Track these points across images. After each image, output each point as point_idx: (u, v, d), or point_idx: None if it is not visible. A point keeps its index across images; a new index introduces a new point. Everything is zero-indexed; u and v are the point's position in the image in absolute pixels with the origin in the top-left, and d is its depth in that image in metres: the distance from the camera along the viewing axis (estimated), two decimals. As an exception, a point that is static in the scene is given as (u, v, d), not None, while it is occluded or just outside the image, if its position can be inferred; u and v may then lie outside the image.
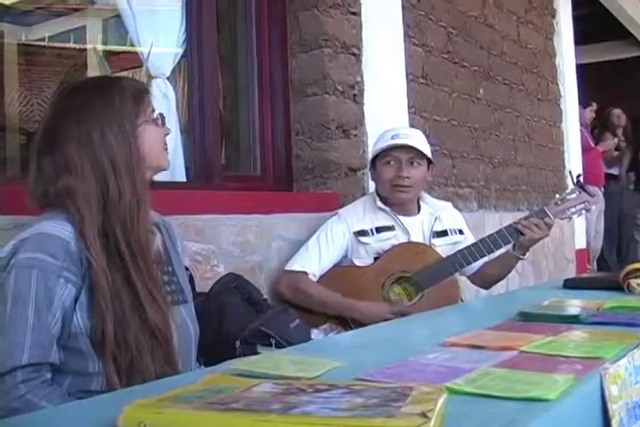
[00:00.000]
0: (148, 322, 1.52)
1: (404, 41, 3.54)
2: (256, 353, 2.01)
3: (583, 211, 2.63)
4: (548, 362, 1.23)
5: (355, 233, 2.62)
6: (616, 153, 6.69)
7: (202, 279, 2.35)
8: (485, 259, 2.70)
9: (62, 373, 1.48)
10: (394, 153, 2.61)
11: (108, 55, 4.79)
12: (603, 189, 6.23)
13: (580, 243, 5.62)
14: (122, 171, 1.54)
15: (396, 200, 2.66)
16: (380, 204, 2.67)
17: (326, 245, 2.62)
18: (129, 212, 1.54)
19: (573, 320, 1.63)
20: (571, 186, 2.74)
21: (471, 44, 4.30)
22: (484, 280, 2.85)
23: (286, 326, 2.13)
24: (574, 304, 1.88)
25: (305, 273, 2.59)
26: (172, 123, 2.88)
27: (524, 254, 2.66)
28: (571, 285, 2.33)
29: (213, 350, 2.08)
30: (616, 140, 6.68)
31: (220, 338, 2.09)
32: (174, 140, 2.85)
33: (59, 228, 1.47)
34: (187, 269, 2.30)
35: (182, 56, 2.93)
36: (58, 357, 1.45)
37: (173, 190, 2.56)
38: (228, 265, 2.50)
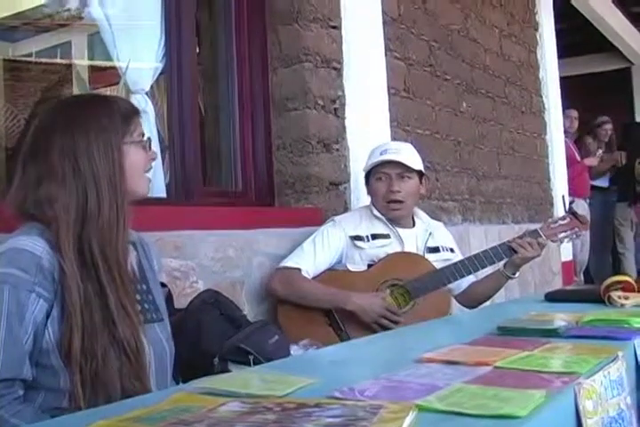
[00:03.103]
0: (118, 337, 1.50)
1: (386, 55, 3.53)
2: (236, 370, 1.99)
3: (574, 236, 2.66)
4: (521, 378, 1.21)
5: (351, 237, 2.63)
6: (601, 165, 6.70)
7: (181, 296, 2.32)
8: (472, 277, 2.72)
9: (35, 389, 1.47)
10: (383, 169, 2.66)
11: (93, 71, 4.77)
12: (589, 201, 6.24)
13: (567, 255, 5.62)
14: (103, 185, 1.54)
15: (391, 216, 2.70)
16: (376, 213, 2.70)
17: (322, 246, 2.62)
18: (107, 226, 1.54)
19: (552, 334, 1.62)
20: (561, 209, 2.78)
21: (453, 58, 4.30)
22: (472, 299, 2.85)
23: (265, 342, 2.10)
24: (554, 318, 1.87)
25: (298, 269, 2.59)
26: (152, 138, 2.87)
27: (515, 273, 2.69)
28: (552, 298, 2.32)
29: (191, 368, 2.06)
30: (600, 152, 6.68)
31: (198, 355, 2.06)
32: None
33: (31, 243, 1.46)
34: (165, 285, 2.29)
35: (162, 71, 2.91)
36: (30, 373, 1.44)
37: (152, 206, 2.54)
38: (208, 281, 2.47)
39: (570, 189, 5.73)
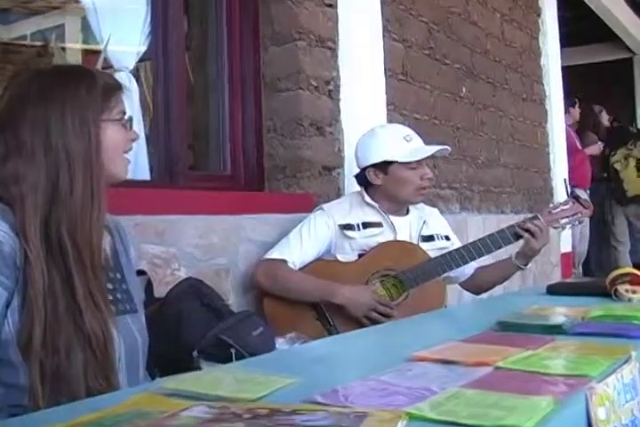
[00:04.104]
0: (83, 329, 1.38)
1: (383, 36, 3.39)
2: (216, 364, 1.86)
3: (576, 222, 2.52)
4: (526, 381, 1.08)
5: (340, 226, 2.48)
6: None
7: (161, 284, 2.19)
8: (474, 263, 2.59)
9: (-7, 385, 1.35)
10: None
11: (87, 54, 4.66)
12: (589, 192, 6.10)
13: (566, 246, 5.50)
14: (76, 164, 1.41)
15: (414, 203, 2.60)
16: (369, 200, 2.54)
17: (309, 236, 2.48)
18: (80, 209, 1.41)
19: (556, 330, 1.49)
20: (562, 193, 2.63)
21: (453, 41, 4.16)
22: (479, 286, 2.75)
23: (248, 334, 1.97)
24: (557, 312, 1.74)
25: (284, 261, 2.45)
26: (136, 118, 2.74)
27: (527, 264, 2.56)
28: (554, 290, 2.19)
29: (170, 361, 1.94)
30: (601, 144, 6.57)
31: (176, 347, 1.94)
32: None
33: None
34: (144, 273, 2.17)
35: (147, 49, 2.78)
36: None
37: (133, 189, 2.40)
38: (191, 269, 2.34)
39: (570, 178, 5.59)
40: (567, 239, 5.45)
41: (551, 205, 2.57)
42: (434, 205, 2.96)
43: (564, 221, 2.48)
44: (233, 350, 1.92)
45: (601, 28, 8.51)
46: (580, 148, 6.16)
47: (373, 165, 2.52)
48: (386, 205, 2.53)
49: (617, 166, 6.48)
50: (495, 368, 1.17)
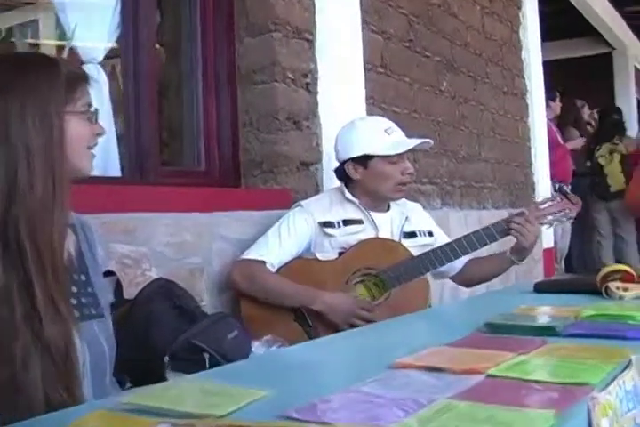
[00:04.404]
0: (42, 336, 1.27)
1: (362, 27, 3.29)
2: (189, 369, 1.75)
3: (564, 218, 2.43)
4: (521, 390, 0.99)
5: (320, 223, 2.38)
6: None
7: (132, 285, 2.08)
8: (462, 260, 2.51)
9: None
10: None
11: (60, 50, 4.53)
12: (570, 187, 6.04)
13: (548, 242, 5.43)
14: (37, 158, 1.31)
15: (395, 200, 2.51)
16: (349, 196, 2.44)
17: (288, 234, 2.37)
18: (40, 207, 1.30)
19: (548, 332, 1.40)
20: (543, 193, 2.55)
21: (433, 34, 4.07)
22: (471, 280, 2.67)
23: (222, 337, 1.87)
24: (548, 312, 1.65)
25: (262, 262, 2.34)
26: (105, 112, 2.63)
27: (522, 260, 2.48)
28: (542, 288, 2.10)
29: (140, 368, 1.83)
30: (583, 139, 6.52)
31: (146, 352, 1.84)
32: (107, 133, 2.59)
33: None
34: (113, 273, 2.06)
35: (117, 40, 2.67)
36: None
37: (101, 185, 2.30)
38: (163, 269, 2.24)
39: (552, 173, 5.54)
40: (549, 235, 5.38)
41: (538, 201, 2.49)
42: (415, 201, 2.87)
43: (551, 217, 2.39)
44: (206, 355, 1.82)
45: (581, 22, 8.48)
46: (561, 142, 6.10)
47: (353, 159, 2.42)
48: (366, 201, 2.44)
49: (601, 161, 6.44)
50: (487, 376, 1.08)
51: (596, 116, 6.81)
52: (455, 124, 4.22)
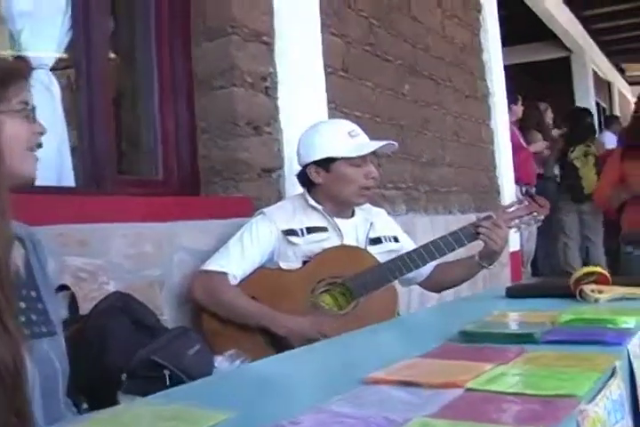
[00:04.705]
0: None
1: (322, 31, 3.22)
2: (148, 387, 1.66)
3: (532, 222, 2.36)
4: (503, 405, 0.92)
5: (283, 232, 2.29)
6: (547, 153, 6.51)
7: (87, 300, 1.99)
8: (431, 264, 2.43)
9: None
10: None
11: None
12: (534, 190, 6.03)
13: (514, 245, 5.40)
14: None
15: (358, 205, 2.43)
16: (312, 202, 2.36)
17: (250, 244, 2.28)
18: None
19: (526, 340, 1.33)
20: (508, 197, 2.49)
21: (394, 37, 4.01)
22: (439, 285, 2.60)
23: (183, 353, 1.78)
24: (523, 318, 1.58)
25: (224, 274, 2.25)
26: (58, 121, 2.53)
27: (491, 264, 2.41)
28: (514, 293, 2.04)
29: (96, 387, 1.73)
30: (546, 142, 6.51)
31: (102, 371, 1.74)
32: (60, 141, 2.50)
33: None
34: (67, 288, 1.96)
35: (68, 47, 2.57)
36: None
37: (54, 196, 2.20)
38: (120, 282, 2.14)
39: (515, 176, 5.52)
40: (515, 238, 5.36)
41: (506, 204, 2.43)
42: (380, 207, 2.80)
43: (519, 220, 2.33)
44: (167, 372, 1.73)
45: (539, 27, 8.52)
46: (524, 145, 6.09)
47: (315, 163, 2.35)
48: (330, 208, 2.36)
49: (576, 163, 6.43)
50: (466, 390, 1.00)
51: (551, 115, 6.80)
52: (418, 128, 4.16)
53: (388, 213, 2.74)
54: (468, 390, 1.00)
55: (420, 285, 2.58)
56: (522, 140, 6.09)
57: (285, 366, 1.36)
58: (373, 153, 2.37)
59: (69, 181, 2.50)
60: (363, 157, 2.32)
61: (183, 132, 2.78)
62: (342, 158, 2.30)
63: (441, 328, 1.51)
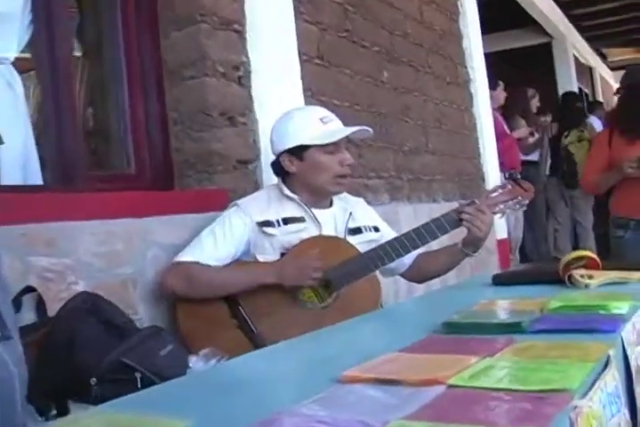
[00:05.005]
0: None
1: (295, 17, 3.12)
2: (119, 391, 1.57)
3: (517, 206, 2.28)
4: (490, 403, 0.84)
5: (258, 223, 2.20)
6: (531, 139, 6.43)
7: (56, 301, 1.90)
8: (413, 254, 2.34)
9: None
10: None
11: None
12: (519, 176, 5.95)
13: (502, 232, 5.33)
14: None
15: (334, 194, 2.33)
16: (288, 192, 2.27)
17: (223, 236, 2.19)
18: None
19: (514, 329, 1.26)
20: (494, 179, 2.39)
21: (371, 24, 3.91)
22: (422, 275, 2.50)
23: (155, 354, 1.69)
24: (511, 307, 1.51)
25: (198, 263, 2.16)
26: (21, 117, 2.43)
27: (475, 251, 2.31)
28: (501, 280, 1.97)
29: (65, 392, 1.65)
30: (530, 128, 6.43)
31: (71, 375, 1.65)
32: (24, 138, 2.40)
33: None
34: (33, 289, 1.88)
35: (30, 40, 2.47)
36: None
37: (17, 194, 2.11)
38: (91, 281, 2.05)
39: (500, 163, 5.43)
40: (502, 225, 5.28)
41: (489, 190, 2.34)
42: (362, 196, 2.72)
43: (503, 205, 2.24)
44: (138, 374, 1.64)
45: (519, 13, 8.45)
46: (507, 132, 6.01)
47: (288, 151, 2.26)
48: (306, 197, 2.27)
49: (571, 149, 6.36)
50: (448, 387, 0.92)
51: (538, 103, 6.72)
52: (399, 115, 4.07)
53: (371, 203, 2.66)
54: (451, 386, 0.92)
55: (403, 275, 2.49)
56: (505, 127, 6.01)
57: (258, 364, 1.28)
58: (349, 140, 2.29)
59: (37, 179, 2.41)
60: (336, 144, 2.23)
61: (154, 125, 2.68)
62: (315, 146, 2.22)
63: (425, 319, 1.44)
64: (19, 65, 2.49)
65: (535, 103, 6.72)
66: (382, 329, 1.54)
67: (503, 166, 5.51)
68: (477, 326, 1.29)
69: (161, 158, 2.67)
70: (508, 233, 5.58)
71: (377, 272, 2.32)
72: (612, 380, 0.97)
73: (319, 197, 2.29)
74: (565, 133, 6.51)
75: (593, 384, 0.90)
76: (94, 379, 1.62)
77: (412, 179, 4.12)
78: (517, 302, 1.53)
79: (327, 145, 2.21)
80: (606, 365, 0.99)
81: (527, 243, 6.49)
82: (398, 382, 0.96)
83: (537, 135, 6.48)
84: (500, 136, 5.60)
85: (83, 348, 1.67)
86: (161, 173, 2.66)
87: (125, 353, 1.66)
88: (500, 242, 5.22)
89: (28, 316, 1.88)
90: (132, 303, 2.16)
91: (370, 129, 2.30)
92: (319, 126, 2.23)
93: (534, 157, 6.53)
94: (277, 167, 2.31)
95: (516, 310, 1.42)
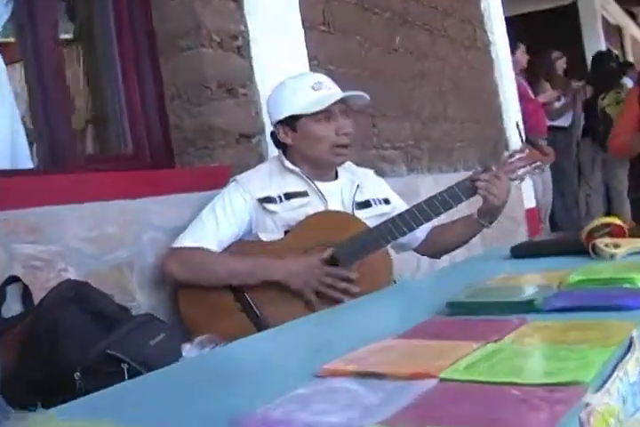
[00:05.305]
0: None
1: (297, -18, 2.96)
2: (106, 384, 1.45)
3: (536, 171, 2.11)
4: (489, 402, 0.70)
5: (259, 200, 2.06)
6: (557, 104, 6.20)
7: (44, 290, 1.76)
8: (426, 227, 2.19)
9: None
10: (327, 107, 2.07)
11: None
12: (545, 142, 5.74)
13: (530, 201, 5.14)
14: None
15: (334, 165, 2.17)
16: (289, 165, 2.12)
17: (224, 215, 2.06)
18: None
19: (527, 308, 1.11)
20: (517, 142, 2.21)
21: (381, -13, 3.73)
22: (437, 249, 2.34)
23: (144, 344, 1.57)
24: (526, 282, 1.35)
25: (199, 248, 2.03)
26: (5, 99, 2.31)
27: (492, 222, 2.15)
28: (520, 252, 1.81)
29: (49, 386, 1.54)
30: (556, 92, 6.20)
31: (54, 369, 1.53)
32: (11, 121, 2.28)
33: None
34: (18, 279, 1.77)
35: (12, 14, 2.34)
36: None
37: (9, 178, 2.00)
38: (82, 268, 1.93)
39: (525, 128, 5.22)
40: (530, 193, 5.10)
41: (505, 155, 2.17)
42: (378, 168, 2.57)
43: (521, 171, 2.08)
44: (125, 366, 1.52)
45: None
46: (532, 96, 5.78)
47: (282, 122, 2.11)
48: (308, 170, 2.12)
49: (609, 110, 6.10)
50: (440, 381, 0.78)
51: (564, 65, 6.47)
52: (414, 82, 3.89)
53: (388, 175, 2.51)
54: (443, 380, 0.78)
55: (417, 250, 2.34)
56: (530, 92, 5.78)
57: (240, 354, 1.15)
58: (348, 107, 2.13)
59: (27, 163, 2.30)
60: (329, 112, 2.07)
61: (151, 101, 2.54)
62: (306, 115, 2.07)
63: (433, 298, 1.29)
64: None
65: (561, 65, 6.48)
66: (388, 309, 1.40)
67: (529, 132, 5.30)
68: (485, 305, 1.14)
69: (160, 136, 2.54)
70: (537, 201, 5.39)
71: (389, 248, 2.18)
72: (636, 366, 0.82)
73: (321, 170, 2.14)
74: (602, 96, 6.23)
75: (611, 373, 0.75)
76: (78, 373, 1.51)
77: (432, 148, 3.95)
78: (534, 276, 1.38)
79: (318, 113, 2.05)
80: (629, 348, 0.84)
81: (557, 210, 6.27)
82: (384, 376, 0.82)
83: (564, 99, 6.25)
84: (523, 101, 5.38)
85: (66, 339, 1.56)
86: (160, 151, 2.53)
87: (111, 344, 1.54)
88: (529, 211, 5.04)
89: (15, 307, 1.77)
90: (129, 289, 2.04)
91: (364, 94, 2.13)
92: (310, 94, 2.07)
93: (562, 122, 6.28)
94: (276, 139, 2.17)
95: (531, 285, 1.27)
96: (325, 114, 2.06)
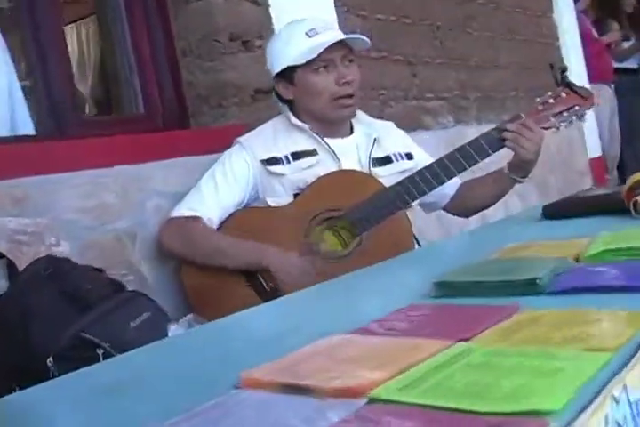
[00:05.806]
0: None
1: None
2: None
3: (574, 118, 1.87)
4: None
5: (263, 162, 1.88)
6: (625, 44, 5.78)
7: (33, 266, 1.63)
8: (453, 184, 1.99)
9: None
10: (324, 54, 1.85)
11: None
12: (613, 86, 5.36)
13: (595, 151, 4.82)
14: None
15: (340, 119, 1.95)
16: (296, 121, 1.93)
17: (224, 180, 1.89)
18: None
19: (527, 290, 0.91)
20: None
21: None
22: (467, 208, 2.14)
23: (123, 326, 1.42)
24: (541, 252, 1.14)
25: (197, 218, 1.86)
26: (3, 67, 2.16)
27: (525, 177, 1.93)
28: (552, 212, 1.59)
29: (23, 373, 1.40)
30: (620, 31, 5.77)
31: (26, 355, 1.40)
32: (8, 86, 2.14)
33: None
34: (3, 256, 1.64)
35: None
36: None
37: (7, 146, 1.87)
38: (76, 241, 1.78)
39: (589, 73, 4.87)
40: (595, 141, 4.77)
41: (537, 100, 1.92)
42: (421, 120, 2.34)
43: (555, 118, 1.84)
44: (100, 351, 1.38)
45: None
46: (595, 36, 5.39)
47: (279, 76, 1.92)
48: (316, 126, 1.91)
49: None
50: (369, 401, 0.59)
51: (634, 2, 6.01)
52: (460, 27, 3.61)
53: (431, 127, 2.28)
54: (372, 401, 0.59)
55: (446, 209, 2.12)
56: (594, 32, 5.39)
57: (182, 344, 0.98)
58: (351, 52, 1.90)
59: (29, 129, 2.16)
60: (327, 60, 1.86)
61: (161, 57, 2.36)
62: (301, 66, 1.86)
63: (436, 272, 1.09)
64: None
65: (631, 2, 6.03)
66: (380, 287, 1.20)
67: (592, 77, 4.94)
68: (478, 285, 0.94)
69: (172, 95, 2.37)
70: (603, 150, 5.05)
71: (417, 207, 1.98)
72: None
73: (330, 125, 1.93)
74: None
75: (597, 395, 0.55)
76: (51, 359, 1.37)
77: (481, 97, 3.68)
78: (554, 244, 1.17)
79: (313, 62, 1.84)
80: (636, 352, 0.64)
81: (626, 160, 5.89)
82: (309, 391, 0.63)
83: (633, 40, 5.82)
84: (587, 43, 5.01)
85: (38, 323, 1.42)
86: (173, 112, 2.36)
87: (86, 326, 1.39)
88: (594, 160, 4.73)
89: (1, 284, 1.65)
90: (131, 261, 1.89)
91: (365, 38, 1.89)
92: (303, 42, 1.86)
93: (630, 63, 5.85)
94: (279, 94, 1.97)
95: (542, 259, 1.04)
96: (323, 62, 1.84)
